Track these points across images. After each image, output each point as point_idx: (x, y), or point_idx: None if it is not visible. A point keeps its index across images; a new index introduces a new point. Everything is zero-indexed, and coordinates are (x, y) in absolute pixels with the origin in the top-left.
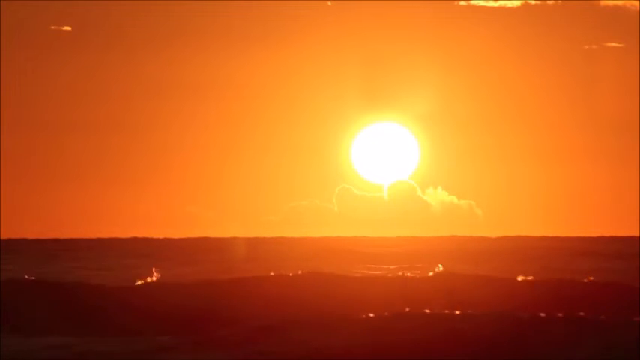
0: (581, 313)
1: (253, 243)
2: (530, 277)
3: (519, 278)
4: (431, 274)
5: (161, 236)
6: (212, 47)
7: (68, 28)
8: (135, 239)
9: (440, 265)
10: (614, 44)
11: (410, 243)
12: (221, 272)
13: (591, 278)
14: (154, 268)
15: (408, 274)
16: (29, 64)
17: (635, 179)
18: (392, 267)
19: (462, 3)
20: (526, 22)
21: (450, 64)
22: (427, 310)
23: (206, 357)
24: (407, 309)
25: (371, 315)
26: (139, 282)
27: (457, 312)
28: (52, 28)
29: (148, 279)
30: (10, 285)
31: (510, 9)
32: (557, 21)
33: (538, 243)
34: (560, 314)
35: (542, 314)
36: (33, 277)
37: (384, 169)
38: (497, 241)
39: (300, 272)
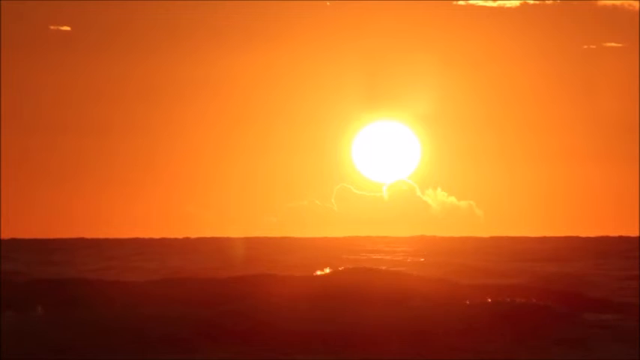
0: None
1: (256, 243)
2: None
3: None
4: None
5: (161, 236)
6: (211, 47)
7: (67, 28)
8: (135, 239)
9: None
10: (613, 44)
11: (398, 244)
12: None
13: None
14: None
15: None
16: (28, 63)
17: (636, 179)
18: None
19: (460, 3)
20: (525, 22)
21: (448, 64)
22: None
23: None
24: None
25: None
26: None
27: None
28: (52, 28)
29: None
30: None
31: (509, 9)
32: (556, 21)
33: (536, 243)
34: None
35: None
36: None
37: (385, 168)
38: (495, 242)
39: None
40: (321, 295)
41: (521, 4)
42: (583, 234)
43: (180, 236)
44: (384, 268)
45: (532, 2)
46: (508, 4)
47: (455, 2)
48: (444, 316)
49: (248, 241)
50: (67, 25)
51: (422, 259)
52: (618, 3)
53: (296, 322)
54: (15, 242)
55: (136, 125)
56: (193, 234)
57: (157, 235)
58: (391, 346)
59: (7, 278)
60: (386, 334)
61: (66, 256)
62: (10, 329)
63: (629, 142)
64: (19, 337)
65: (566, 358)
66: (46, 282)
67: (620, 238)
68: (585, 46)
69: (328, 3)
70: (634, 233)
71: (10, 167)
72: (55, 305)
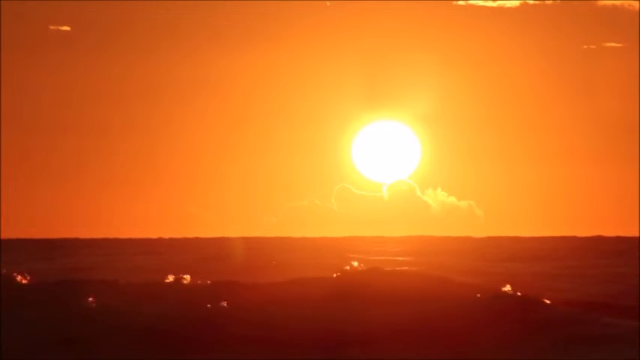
0: None
1: (256, 243)
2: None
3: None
4: None
5: (161, 236)
6: (211, 47)
7: (67, 28)
8: (135, 239)
9: None
10: (612, 44)
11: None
12: None
13: None
14: None
15: None
16: (28, 63)
17: (635, 179)
18: None
19: (460, 3)
20: (525, 22)
21: (448, 64)
22: None
23: None
24: None
25: None
26: None
27: None
28: (51, 28)
29: None
30: None
31: (509, 9)
32: (556, 21)
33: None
34: None
35: None
36: None
37: (385, 168)
38: (495, 241)
39: None
40: (320, 295)
41: (521, 4)
42: (583, 234)
43: (180, 236)
44: (384, 268)
45: (532, 2)
46: (508, 4)
47: (455, 2)
48: (443, 315)
49: (248, 241)
50: (67, 25)
51: (421, 259)
52: (618, 3)
53: (295, 322)
54: (15, 242)
55: (136, 125)
56: (193, 234)
57: (156, 235)
58: (391, 346)
59: (7, 278)
60: (386, 334)
61: (66, 256)
62: (10, 328)
63: (629, 142)
64: (19, 337)
65: (566, 357)
66: (46, 281)
67: (619, 238)
68: (585, 46)
69: (328, 3)
70: (634, 233)
71: (10, 167)
72: (55, 305)
